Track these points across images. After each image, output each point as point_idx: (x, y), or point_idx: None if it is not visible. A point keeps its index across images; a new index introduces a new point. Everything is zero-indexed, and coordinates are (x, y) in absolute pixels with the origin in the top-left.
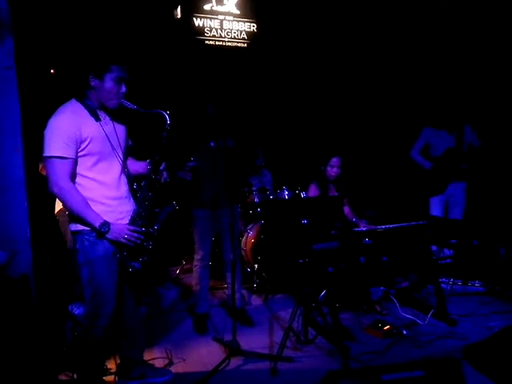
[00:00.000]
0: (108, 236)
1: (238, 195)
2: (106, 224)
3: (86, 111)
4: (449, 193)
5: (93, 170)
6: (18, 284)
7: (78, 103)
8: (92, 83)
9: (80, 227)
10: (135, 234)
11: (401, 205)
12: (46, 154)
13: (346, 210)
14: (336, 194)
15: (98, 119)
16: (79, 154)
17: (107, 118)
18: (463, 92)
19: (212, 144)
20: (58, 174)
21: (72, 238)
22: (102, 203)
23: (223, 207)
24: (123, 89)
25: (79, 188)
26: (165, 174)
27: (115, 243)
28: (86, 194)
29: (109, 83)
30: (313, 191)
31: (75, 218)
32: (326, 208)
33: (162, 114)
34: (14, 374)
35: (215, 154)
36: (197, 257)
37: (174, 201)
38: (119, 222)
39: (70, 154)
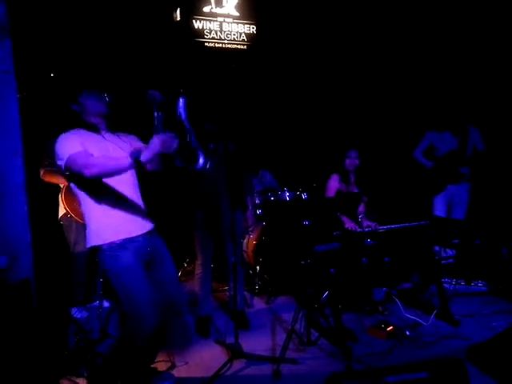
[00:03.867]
0: (147, 154)
1: (239, 199)
2: (133, 154)
3: (85, 130)
4: (452, 193)
5: (107, 181)
6: (18, 288)
7: (78, 128)
8: (77, 110)
9: (96, 242)
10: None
11: (403, 205)
12: (63, 158)
13: (361, 208)
14: (356, 187)
15: (98, 132)
16: None
17: (108, 133)
18: (466, 93)
19: (211, 146)
20: (80, 163)
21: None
22: (120, 212)
23: (225, 211)
24: (104, 100)
25: (97, 199)
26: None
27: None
28: (104, 205)
29: (88, 102)
30: (334, 182)
31: (92, 233)
32: (345, 204)
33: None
34: (15, 378)
35: (215, 157)
36: (198, 262)
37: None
38: (139, 231)
39: (81, 148)
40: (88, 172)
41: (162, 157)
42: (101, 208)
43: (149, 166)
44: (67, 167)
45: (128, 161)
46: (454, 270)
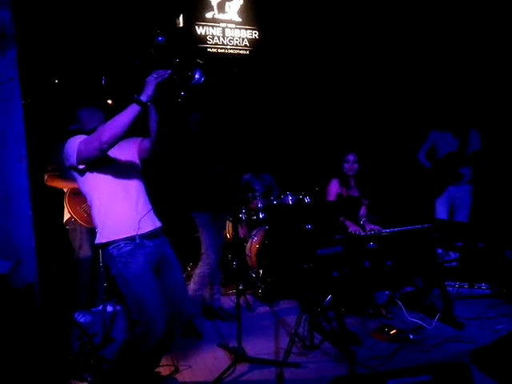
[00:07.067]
0: (147, 91)
1: (233, 199)
2: (134, 99)
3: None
4: (455, 195)
5: (115, 181)
6: (23, 293)
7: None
8: (76, 127)
9: (107, 239)
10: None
11: (406, 208)
12: (73, 154)
13: (362, 211)
14: (357, 190)
15: None
16: (96, 170)
17: None
18: (468, 95)
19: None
20: (90, 140)
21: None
22: (130, 209)
23: (223, 210)
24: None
25: (103, 202)
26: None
27: (157, 87)
28: (111, 206)
29: (82, 116)
30: (334, 186)
31: (103, 229)
32: (344, 209)
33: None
34: (20, 382)
35: (217, 160)
36: (206, 261)
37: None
38: (149, 227)
39: None
40: (104, 139)
41: (163, 91)
42: (111, 206)
43: (154, 116)
44: (80, 158)
45: (132, 107)
46: (457, 272)
